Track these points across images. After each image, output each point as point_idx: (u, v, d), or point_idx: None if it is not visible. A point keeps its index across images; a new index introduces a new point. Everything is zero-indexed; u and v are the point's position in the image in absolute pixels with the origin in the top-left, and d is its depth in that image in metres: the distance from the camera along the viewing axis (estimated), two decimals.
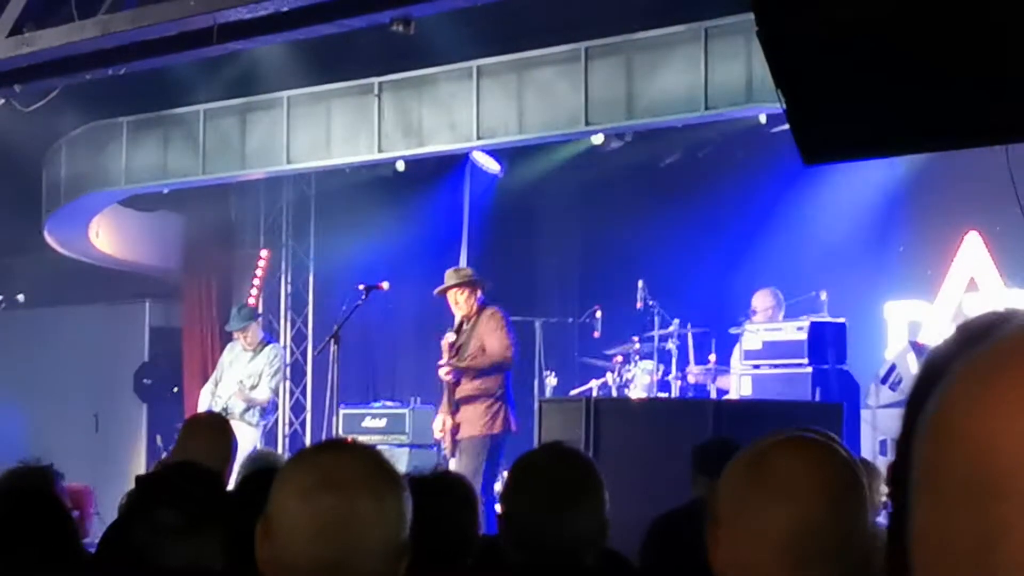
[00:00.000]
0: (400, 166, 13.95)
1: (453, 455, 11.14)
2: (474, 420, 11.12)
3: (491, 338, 11.19)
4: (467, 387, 11.19)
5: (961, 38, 6.33)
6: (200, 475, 4.43)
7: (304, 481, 2.67)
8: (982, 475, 0.79)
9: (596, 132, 12.61)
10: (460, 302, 11.42)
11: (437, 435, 11.52)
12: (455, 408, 11.20)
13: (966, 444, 0.81)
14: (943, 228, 13.01)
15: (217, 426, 6.61)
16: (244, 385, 13.03)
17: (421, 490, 3.90)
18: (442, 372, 11.26)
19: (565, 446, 4.17)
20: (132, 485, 5.19)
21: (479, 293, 11.45)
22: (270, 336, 14.15)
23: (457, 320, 11.57)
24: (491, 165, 14.25)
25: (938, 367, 0.88)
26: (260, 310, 14.99)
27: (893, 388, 11.72)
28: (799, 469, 2.39)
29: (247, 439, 12.53)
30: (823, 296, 12.55)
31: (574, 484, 3.88)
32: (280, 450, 14.81)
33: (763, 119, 11.94)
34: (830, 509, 2.37)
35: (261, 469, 5.14)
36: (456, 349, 11.32)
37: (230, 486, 5.55)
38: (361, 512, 2.62)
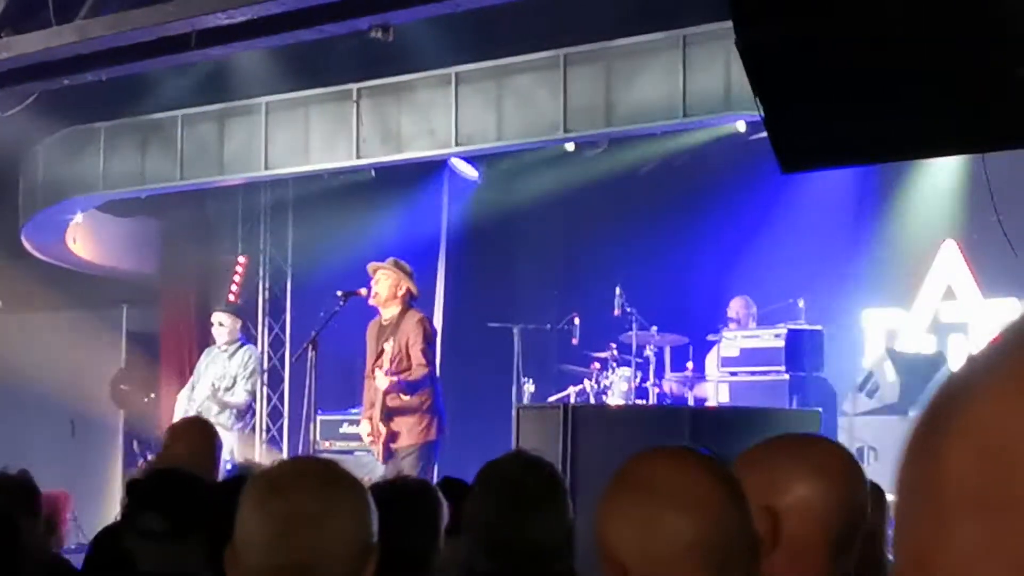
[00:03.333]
0: (371, 173, 13.98)
1: (385, 462, 11.12)
2: (411, 428, 11.11)
3: (413, 348, 11.16)
4: (399, 397, 11.15)
5: (939, 48, 6.35)
6: (186, 481, 4.43)
7: (257, 493, 2.71)
8: None
9: (575, 139, 12.61)
10: (381, 288, 11.30)
11: (366, 440, 11.47)
12: (388, 416, 11.17)
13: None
14: (920, 236, 13.03)
15: (202, 430, 6.60)
16: (217, 387, 13.02)
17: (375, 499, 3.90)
18: (384, 381, 11.12)
19: (529, 453, 4.21)
20: (108, 491, 5.20)
21: (407, 294, 11.36)
22: (246, 338, 14.12)
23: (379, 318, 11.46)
24: (469, 172, 14.25)
25: (962, 385, 0.87)
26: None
27: (870, 395, 11.75)
28: (692, 478, 2.49)
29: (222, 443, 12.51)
30: (801, 303, 12.58)
31: (538, 490, 3.91)
32: (257, 457, 14.79)
33: (741, 127, 11.95)
34: (724, 515, 2.45)
35: (241, 475, 5.13)
36: (380, 351, 11.26)
37: None
38: (310, 512, 2.64)
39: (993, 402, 0.83)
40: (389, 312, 11.32)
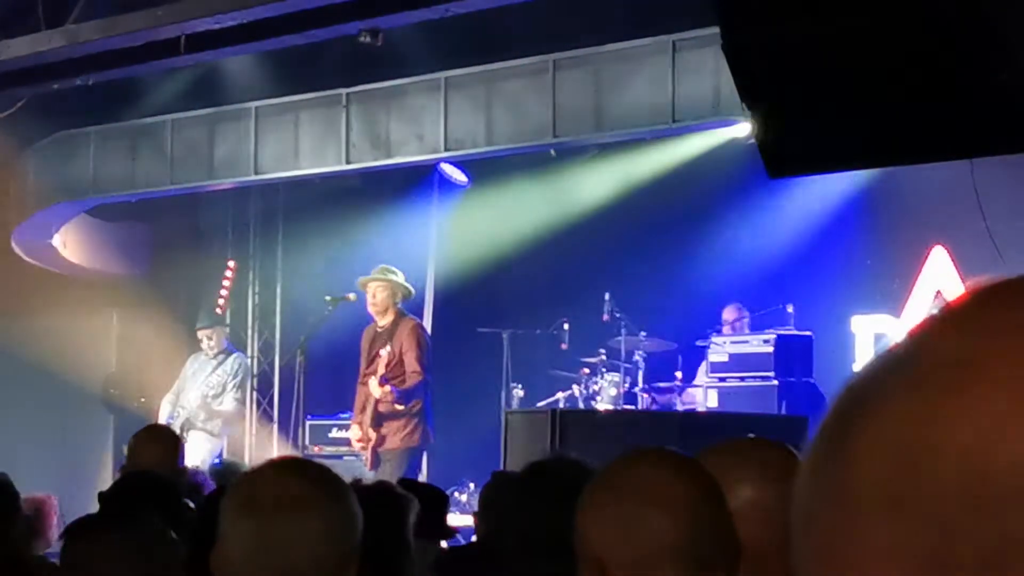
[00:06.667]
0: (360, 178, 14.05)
1: (374, 467, 11.18)
2: (396, 433, 11.21)
3: (408, 355, 11.22)
4: (392, 403, 11.24)
5: (926, 53, 6.36)
6: (160, 486, 4.43)
7: (233, 505, 2.75)
8: (980, 488, 0.80)
9: (564, 144, 12.62)
10: (378, 299, 11.38)
11: (356, 446, 11.54)
12: (378, 422, 11.24)
13: (948, 458, 0.82)
14: (909, 242, 13.03)
15: (165, 438, 6.65)
16: (207, 396, 13.03)
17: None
18: (379, 390, 11.20)
19: (572, 456, 4.23)
20: (98, 495, 5.19)
21: (399, 298, 11.45)
22: (233, 346, 14.12)
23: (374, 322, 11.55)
24: (459, 177, 14.25)
25: (869, 387, 0.89)
26: (227, 320, 14.97)
27: None
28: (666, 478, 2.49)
29: (207, 448, 12.55)
30: (790, 309, 12.57)
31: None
32: (247, 461, 14.77)
33: (730, 132, 11.94)
34: (704, 516, 2.45)
35: (225, 484, 5.14)
36: (373, 357, 11.31)
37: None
38: (283, 530, 2.67)
39: (903, 406, 0.85)
40: (385, 319, 11.38)
